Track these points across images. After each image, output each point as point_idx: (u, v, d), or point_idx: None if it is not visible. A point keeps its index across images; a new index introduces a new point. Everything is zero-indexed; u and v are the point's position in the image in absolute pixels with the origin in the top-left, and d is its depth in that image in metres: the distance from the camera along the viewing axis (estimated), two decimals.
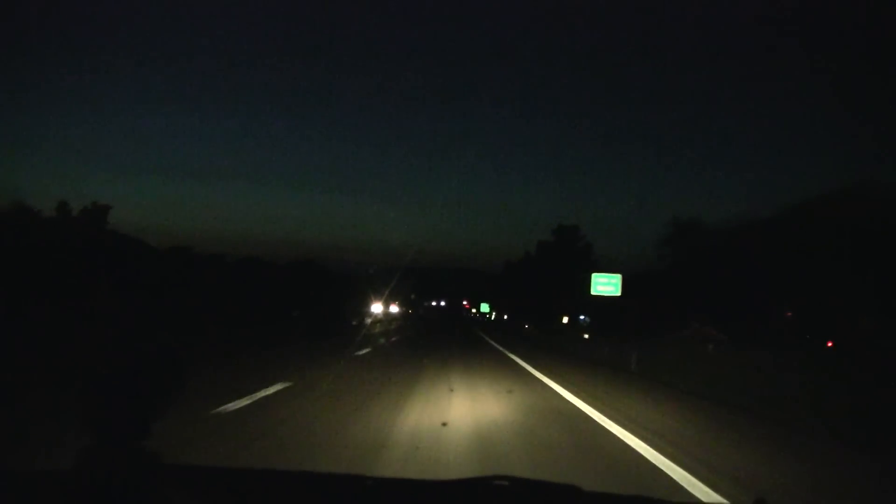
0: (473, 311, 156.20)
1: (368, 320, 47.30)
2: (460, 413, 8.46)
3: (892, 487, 5.94)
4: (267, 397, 8.99)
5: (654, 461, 5.95)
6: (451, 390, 10.83)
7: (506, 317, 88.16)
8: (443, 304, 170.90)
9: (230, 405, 7.96)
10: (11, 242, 29.05)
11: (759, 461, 6.46)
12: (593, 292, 36.88)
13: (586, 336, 40.42)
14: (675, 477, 5.36)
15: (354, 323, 44.79)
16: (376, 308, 50.32)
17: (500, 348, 26.91)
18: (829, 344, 24.91)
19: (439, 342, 29.66)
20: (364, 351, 20.22)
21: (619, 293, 36.38)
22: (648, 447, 6.50)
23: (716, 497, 4.75)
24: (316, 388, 10.42)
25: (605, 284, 36.90)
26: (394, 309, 73.09)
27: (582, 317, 50.99)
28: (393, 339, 31.19)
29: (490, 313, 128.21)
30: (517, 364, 18.45)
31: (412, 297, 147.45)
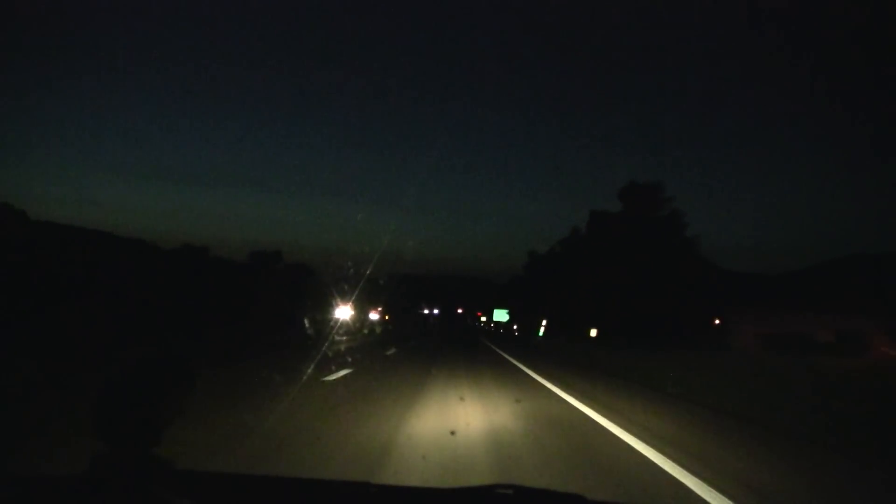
0: (483, 319, 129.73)
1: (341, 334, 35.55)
2: None
3: None
4: None
5: None
6: None
7: (594, 332, 43.27)
8: (436, 311, 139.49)
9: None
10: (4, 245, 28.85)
11: None
12: None
13: None
14: None
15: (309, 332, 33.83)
16: (343, 313, 40.06)
17: None
18: None
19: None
20: None
21: None
22: None
23: None
24: None
25: None
26: (373, 316, 61.28)
27: None
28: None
29: (511, 322, 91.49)
30: None
31: (421, 304, 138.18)
